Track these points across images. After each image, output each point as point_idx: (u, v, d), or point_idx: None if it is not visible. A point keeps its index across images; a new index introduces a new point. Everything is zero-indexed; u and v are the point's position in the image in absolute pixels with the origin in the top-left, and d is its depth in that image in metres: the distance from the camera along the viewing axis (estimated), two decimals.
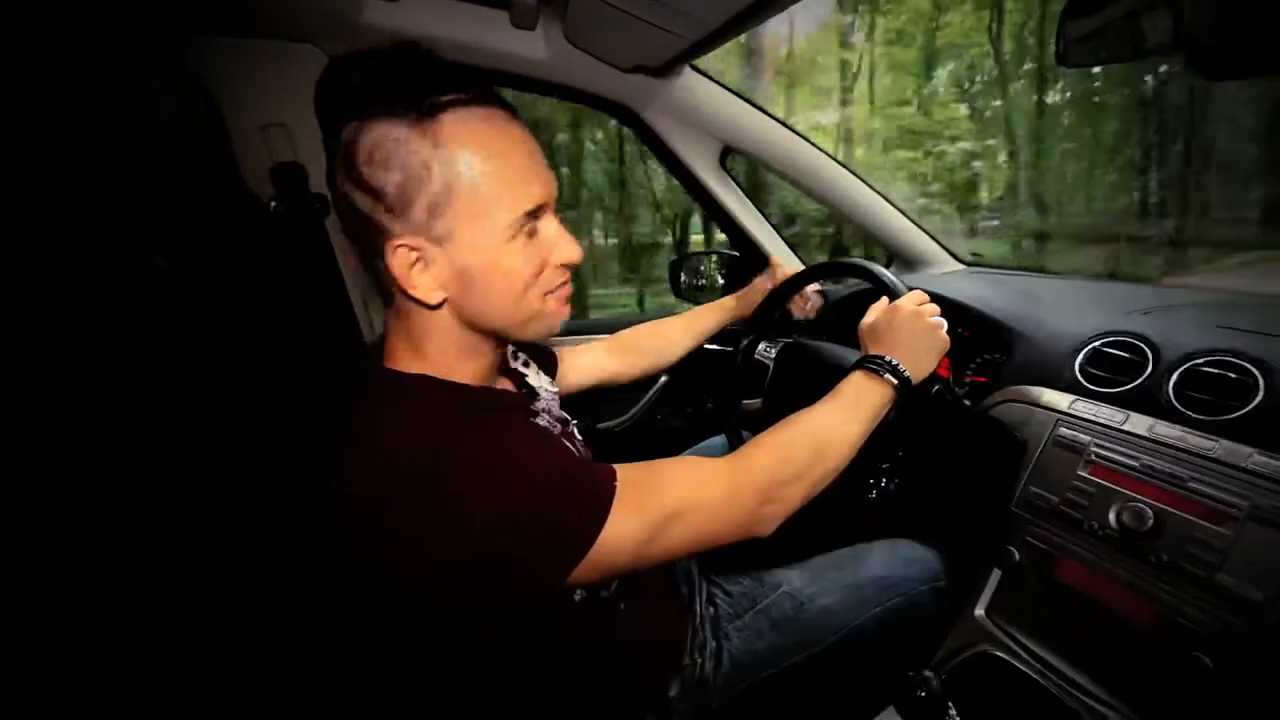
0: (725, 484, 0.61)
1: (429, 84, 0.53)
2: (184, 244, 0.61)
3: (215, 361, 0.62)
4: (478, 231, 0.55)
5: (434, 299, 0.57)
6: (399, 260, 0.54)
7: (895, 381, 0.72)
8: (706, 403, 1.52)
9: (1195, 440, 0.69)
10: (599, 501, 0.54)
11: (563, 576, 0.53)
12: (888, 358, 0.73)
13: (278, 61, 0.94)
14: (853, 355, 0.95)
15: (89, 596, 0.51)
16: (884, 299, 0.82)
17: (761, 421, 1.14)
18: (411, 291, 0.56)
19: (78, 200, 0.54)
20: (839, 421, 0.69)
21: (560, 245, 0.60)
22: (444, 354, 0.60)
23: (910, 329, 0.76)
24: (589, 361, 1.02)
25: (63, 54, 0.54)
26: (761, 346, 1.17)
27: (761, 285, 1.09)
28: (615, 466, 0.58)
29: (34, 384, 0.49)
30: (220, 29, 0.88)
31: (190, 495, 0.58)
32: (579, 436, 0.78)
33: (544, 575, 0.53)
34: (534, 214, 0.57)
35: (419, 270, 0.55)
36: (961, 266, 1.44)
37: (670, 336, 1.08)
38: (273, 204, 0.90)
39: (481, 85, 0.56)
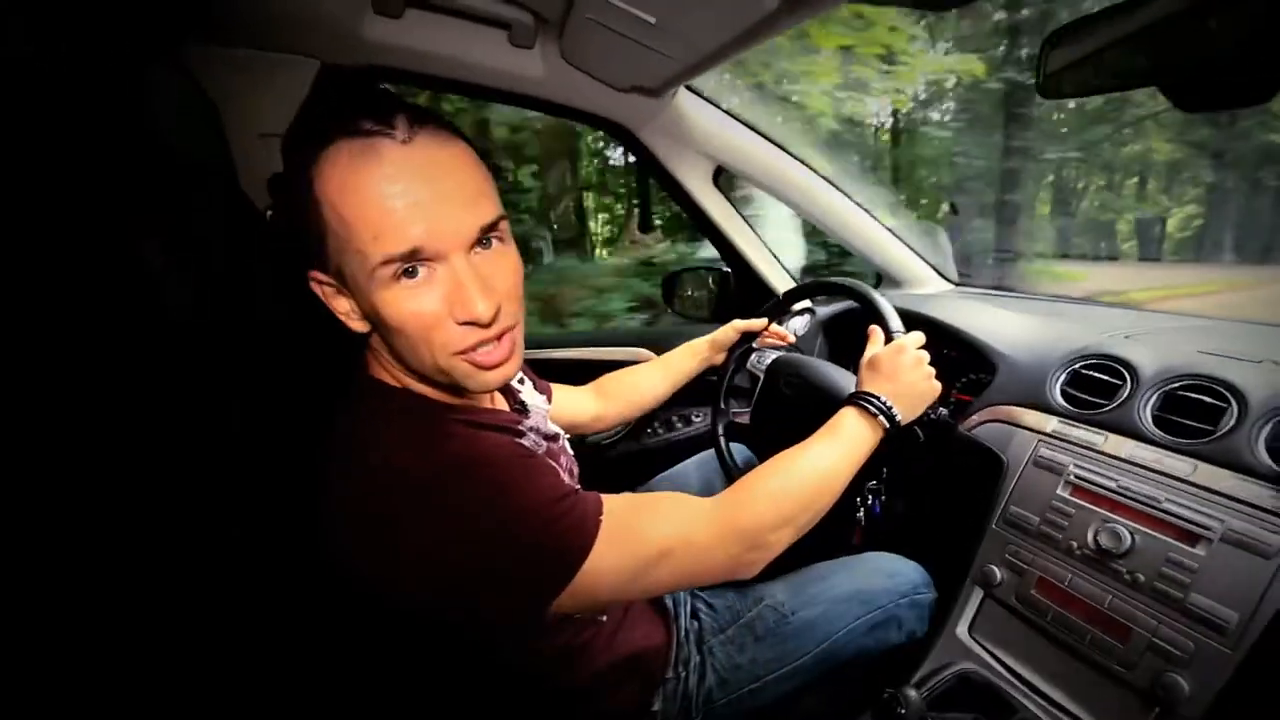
0: (713, 529, 0.60)
1: (327, 114, 0.52)
2: (183, 247, 0.61)
3: (212, 366, 0.62)
4: (354, 273, 0.51)
5: (359, 327, 0.57)
6: (319, 290, 0.56)
7: (887, 425, 0.73)
8: (696, 416, 1.52)
9: (1171, 462, 0.70)
10: (583, 534, 0.54)
11: (543, 605, 0.53)
12: (884, 399, 0.73)
13: (279, 72, 0.95)
14: (839, 374, 0.96)
15: (77, 601, 0.51)
16: (885, 332, 0.83)
17: (749, 435, 1.16)
18: (338, 316, 0.57)
19: (75, 198, 0.54)
20: (832, 463, 0.69)
21: (456, 297, 0.51)
22: (418, 372, 0.58)
23: (910, 374, 0.76)
24: (575, 403, 1.04)
25: (64, 53, 0.55)
26: (753, 358, 1.18)
27: (736, 326, 1.11)
28: (605, 498, 0.58)
29: (25, 382, 0.50)
30: (223, 39, 0.90)
31: (183, 502, 0.58)
32: (570, 451, 0.78)
33: (523, 603, 0.53)
34: (409, 258, 0.50)
35: (340, 301, 0.56)
36: (949, 287, 1.46)
37: (647, 384, 1.11)
38: (269, 213, 0.91)
39: (374, 106, 0.50)
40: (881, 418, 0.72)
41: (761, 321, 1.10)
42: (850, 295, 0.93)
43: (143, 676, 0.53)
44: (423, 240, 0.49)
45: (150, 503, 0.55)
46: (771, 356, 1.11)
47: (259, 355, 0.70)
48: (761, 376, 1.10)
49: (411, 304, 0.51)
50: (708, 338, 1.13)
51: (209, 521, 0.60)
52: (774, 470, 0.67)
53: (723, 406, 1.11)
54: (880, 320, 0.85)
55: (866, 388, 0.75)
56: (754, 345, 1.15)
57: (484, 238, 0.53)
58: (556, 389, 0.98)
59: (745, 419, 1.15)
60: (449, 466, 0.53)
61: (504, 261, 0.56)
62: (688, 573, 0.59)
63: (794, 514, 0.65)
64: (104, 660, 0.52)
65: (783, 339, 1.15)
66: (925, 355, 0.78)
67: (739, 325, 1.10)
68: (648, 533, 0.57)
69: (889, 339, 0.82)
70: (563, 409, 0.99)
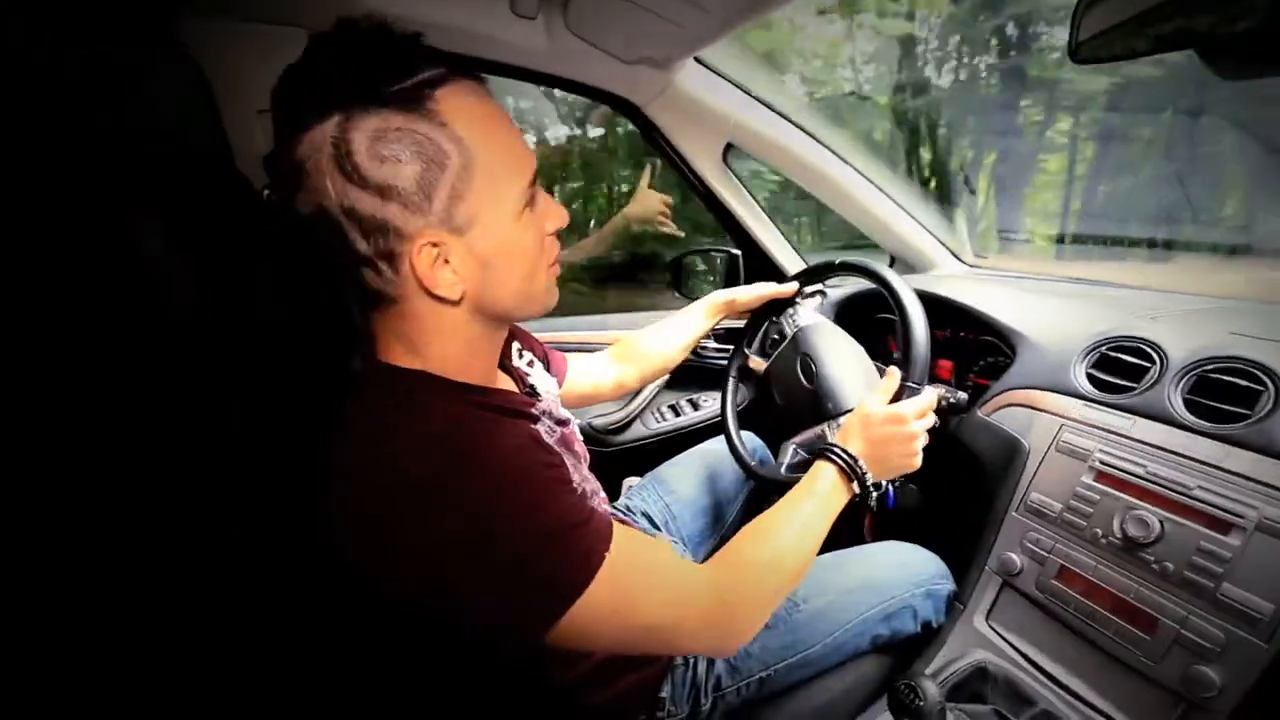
0: (704, 612, 0.57)
1: (411, 64, 0.48)
2: (180, 226, 0.58)
3: (213, 357, 0.60)
4: (495, 211, 0.52)
5: (456, 294, 0.53)
6: (423, 260, 0.50)
7: (859, 490, 0.70)
8: (705, 401, 1.50)
9: (1203, 448, 0.67)
10: (591, 555, 0.51)
11: (542, 629, 0.49)
12: (860, 463, 0.70)
13: (275, 46, 0.92)
14: (852, 373, 0.89)
15: (76, 599, 0.50)
16: (902, 381, 0.76)
17: (755, 420, 1.12)
18: (435, 291, 0.52)
19: (70, 186, 0.52)
20: (815, 533, 0.66)
21: (552, 212, 0.59)
22: (446, 352, 0.57)
23: (898, 447, 0.72)
24: (595, 371, 1.01)
25: (56, 28, 0.52)
26: (788, 312, 1.09)
27: (763, 292, 1.03)
28: (614, 533, 0.54)
29: (25, 378, 0.48)
30: (215, 9, 0.87)
31: (182, 501, 0.56)
32: (579, 435, 0.76)
33: (525, 628, 0.50)
34: (534, 184, 0.55)
35: (440, 267, 0.51)
36: (965, 268, 1.42)
37: (664, 342, 1.06)
38: (266, 192, 0.88)
39: (447, 59, 0.51)
40: (855, 483, 0.70)
41: (792, 286, 1.02)
42: (893, 302, 0.82)
43: (143, 675, 0.52)
44: (534, 165, 0.55)
45: (149, 502, 0.54)
46: (810, 319, 1.00)
47: (260, 345, 0.67)
48: (789, 334, 1.00)
49: (533, 229, 0.56)
50: (727, 295, 1.05)
51: (209, 520, 0.58)
52: (762, 545, 0.64)
53: (733, 388, 1.07)
54: (906, 358, 0.76)
55: (851, 444, 0.71)
56: (795, 301, 1.05)
57: None
58: (575, 358, 0.96)
59: (748, 404, 1.11)
60: (462, 464, 0.50)
61: None
62: (668, 649, 0.58)
63: (780, 589, 0.63)
64: (104, 658, 0.50)
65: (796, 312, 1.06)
66: (923, 428, 0.74)
67: (767, 291, 1.02)
68: (640, 602, 0.54)
69: (902, 392, 0.76)
70: (583, 378, 0.97)
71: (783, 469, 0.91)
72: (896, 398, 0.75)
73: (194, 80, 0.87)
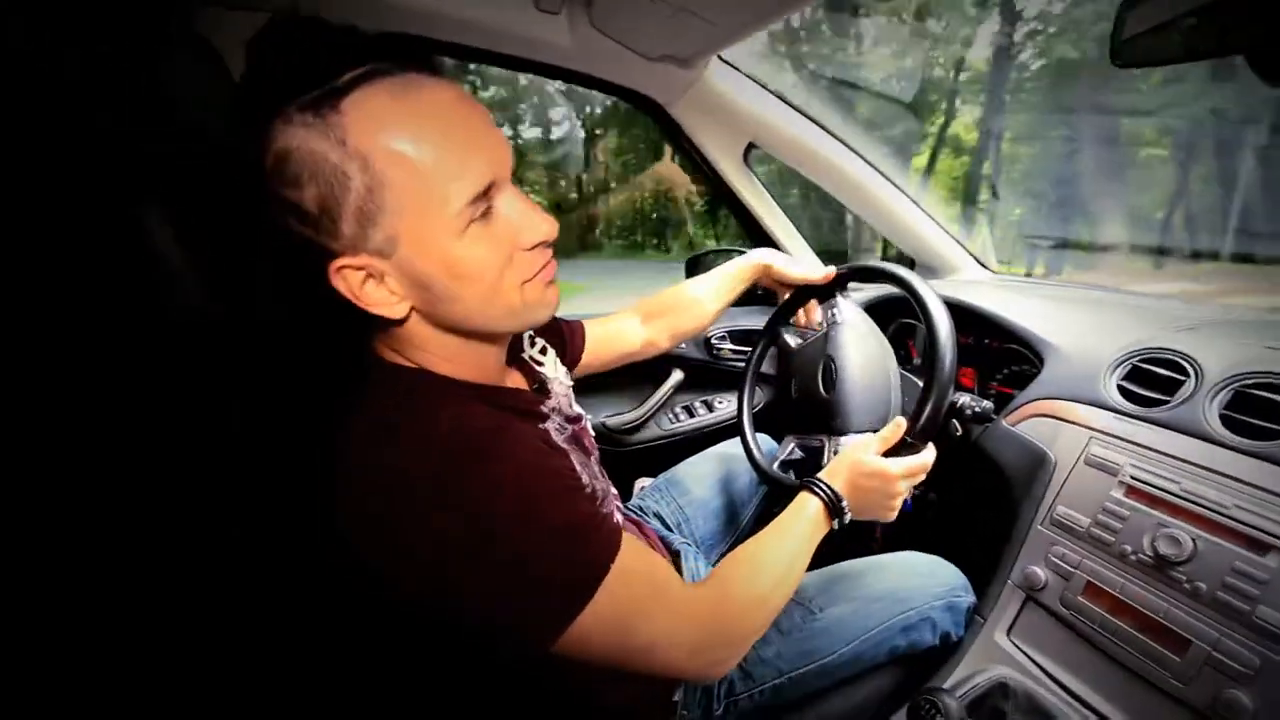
0: (697, 637, 0.56)
1: (320, 65, 0.43)
2: (191, 221, 0.58)
3: (216, 348, 0.59)
4: (422, 230, 0.46)
5: (398, 313, 0.50)
6: (345, 283, 0.47)
7: (836, 527, 0.70)
8: (719, 403, 1.49)
9: (1240, 465, 0.65)
10: (595, 566, 0.49)
11: (541, 639, 0.48)
12: (846, 505, 0.69)
13: None
14: (864, 387, 0.86)
15: (78, 598, 0.49)
16: (909, 430, 0.72)
17: (765, 420, 1.10)
18: (371, 310, 0.49)
19: (78, 171, 0.51)
20: (802, 563, 0.66)
21: (526, 223, 0.51)
22: (446, 351, 0.55)
23: (881, 500, 0.71)
24: (623, 332, 0.95)
25: (73, 16, 0.52)
26: (830, 302, 1.06)
27: (809, 274, 0.93)
28: (620, 549, 0.52)
29: (31, 376, 0.48)
30: (235, 2, 0.86)
31: (184, 501, 0.55)
32: (591, 431, 0.75)
33: (526, 636, 0.48)
34: (484, 195, 0.47)
35: (373, 285, 0.48)
36: (989, 274, 1.40)
37: (697, 302, 0.97)
38: None
39: (384, 48, 0.45)
40: (836, 522, 0.70)
41: (830, 271, 0.92)
42: (930, 341, 0.75)
43: (144, 674, 0.52)
44: (495, 172, 0.47)
45: (152, 499, 0.53)
46: (850, 316, 0.92)
47: (263, 343, 0.66)
48: (825, 326, 0.93)
49: (486, 244, 0.49)
50: (770, 258, 0.95)
51: (211, 519, 0.57)
52: (751, 580, 0.62)
53: (750, 390, 1.06)
54: (917, 411, 0.72)
55: (834, 482, 0.70)
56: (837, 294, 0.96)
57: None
58: (594, 323, 0.92)
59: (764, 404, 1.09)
60: (464, 466, 0.48)
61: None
62: (658, 669, 0.54)
63: (764, 625, 0.62)
64: (106, 656, 0.50)
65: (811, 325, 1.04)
66: (908, 488, 0.72)
67: (812, 274, 0.91)
68: (640, 618, 0.52)
69: (900, 446, 0.73)
70: (608, 344, 0.93)
71: (777, 463, 0.91)
72: (895, 450, 0.72)
73: (212, 69, 0.87)
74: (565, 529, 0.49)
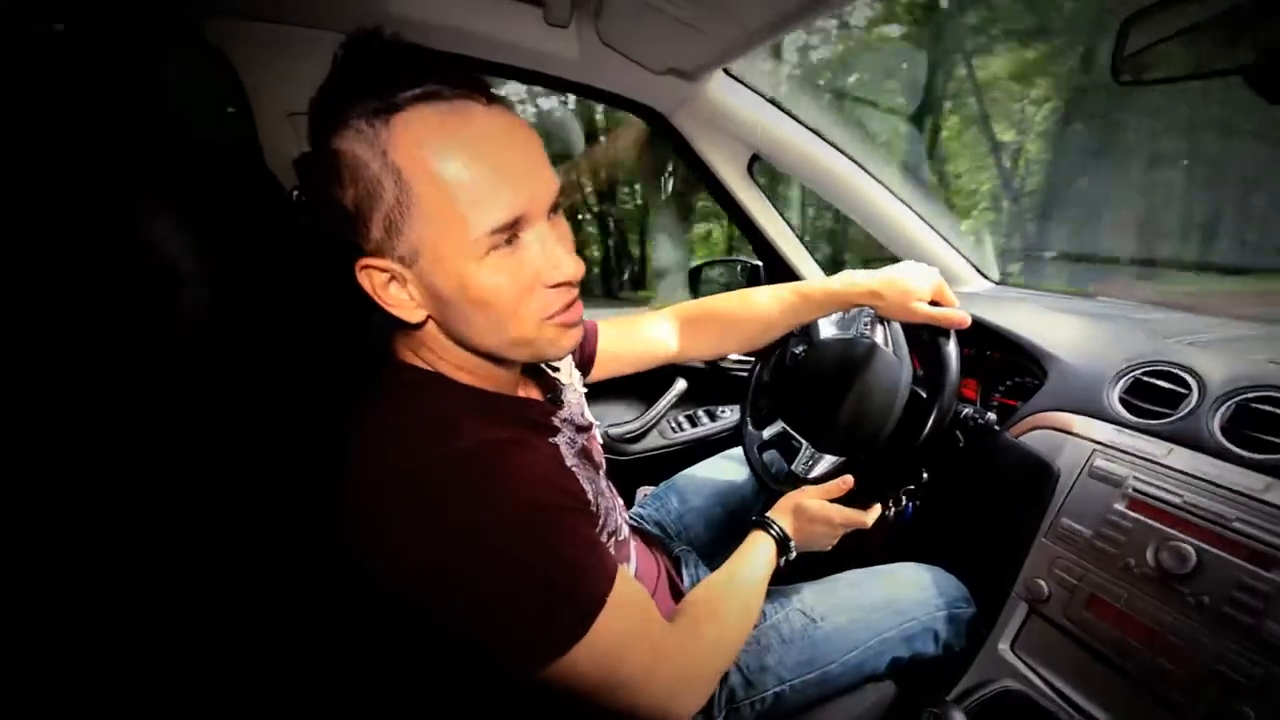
0: (672, 678, 0.56)
1: (383, 81, 0.46)
2: (200, 221, 0.58)
3: (226, 347, 0.60)
4: (441, 249, 0.48)
5: (415, 317, 0.52)
6: (369, 280, 0.51)
7: (782, 564, 0.76)
8: (722, 412, 1.49)
9: (1243, 479, 0.65)
10: (591, 600, 0.50)
11: (538, 661, 0.48)
12: (793, 542, 0.77)
13: (307, 49, 0.93)
14: (858, 420, 0.88)
15: (83, 599, 0.50)
16: (845, 489, 0.80)
17: (764, 391, 1.10)
18: (389, 310, 0.52)
19: (89, 185, 0.52)
20: (755, 613, 0.70)
21: (549, 261, 0.51)
22: (461, 358, 0.56)
23: (820, 538, 0.78)
24: (649, 336, 0.93)
25: (81, 24, 0.53)
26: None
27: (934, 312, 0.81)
28: (610, 595, 0.51)
29: (34, 376, 0.48)
30: (245, 11, 0.88)
31: (189, 501, 0.56)
32: (600, 442, 0.76)
33: (516, 660, 0.49)
34: (510, 227, 0.49)
35: (395, 288, 0.51)
36: (991, 285, 1.40)
37: (765, 313, 0.89)
38: (295, 193, 0.89)
39: (447, 72, 0.48)
40: (783, 559, 0.76)
41: (966, 317, 0.84)
42: (936, 357, 0.79)
43: (146, 673, 0.52)
44: (525, 207, 0.49)
45: (159, 498, 0.54)
46: (891, 335, 0.90)
47: (275, 342, 0.67)
48: (858, 333, 0.92)
49: (506, 273, 0.50)
50: (827, 288, 0.86)
51: (218, 518, 0.58)
52: (719, 611, 0.66)
53: (754, 399, 1.06)
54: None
55: (781, 520, 0.78)
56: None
57: (555, 202, 0.53)
58: (619, 323, 0.91)
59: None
60: (474, 480, 0.49)
61: (565, 223, 0.56)
62: (630, 706, 0.53)
63: (722, 670, 0.65)
64: (108, 652, 0.50)
65: None
66: (846, 530, 0.79)
67: (936, 314, 0.81)
68: (626, 652, 0.52)
69: (882, 508, 0.83)
70: (632, 345, 0.92)
71: (755, 446, 0.99)
72: (844, 500, 0.80)
73: (222, 76, 0.88)
74: (562, 561, 0.50)
